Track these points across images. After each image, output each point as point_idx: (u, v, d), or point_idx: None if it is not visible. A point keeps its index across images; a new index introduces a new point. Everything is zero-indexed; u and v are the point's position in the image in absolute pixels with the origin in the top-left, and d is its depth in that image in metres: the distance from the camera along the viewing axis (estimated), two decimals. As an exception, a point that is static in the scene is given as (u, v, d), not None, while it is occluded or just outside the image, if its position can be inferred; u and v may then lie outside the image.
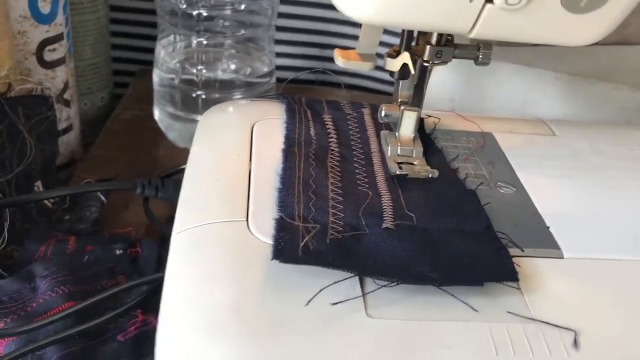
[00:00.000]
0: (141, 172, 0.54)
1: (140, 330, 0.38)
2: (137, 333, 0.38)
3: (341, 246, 0.30)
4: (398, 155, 0.36)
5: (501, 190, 0.35)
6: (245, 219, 0.31)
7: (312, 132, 0.39)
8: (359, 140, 0.38)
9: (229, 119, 0.40)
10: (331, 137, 0.38)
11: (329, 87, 0.71)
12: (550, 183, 0.36)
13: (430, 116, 0.40)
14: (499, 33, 0.27)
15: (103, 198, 0.49)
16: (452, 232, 0.31)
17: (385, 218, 0.32)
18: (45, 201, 0.47)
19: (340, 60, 0.33)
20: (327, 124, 0.40)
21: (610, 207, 0.34)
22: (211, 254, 0.29)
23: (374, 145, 0.38)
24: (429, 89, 0.51)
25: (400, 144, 0.36)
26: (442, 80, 0.52)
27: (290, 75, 0.72)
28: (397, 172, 0.34)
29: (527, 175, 0.36)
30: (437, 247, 0.30)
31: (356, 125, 0.40)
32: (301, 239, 0.29)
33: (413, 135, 0.36)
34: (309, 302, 0.26)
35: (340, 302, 0.26)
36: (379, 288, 0.27)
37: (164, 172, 0.50)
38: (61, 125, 0.54)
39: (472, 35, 0.28)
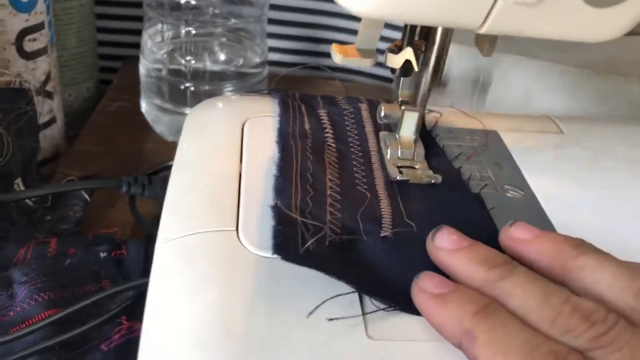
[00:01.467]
0: (127, 167, 0.52)
1: (125, 338, 0.36)
2: (122, 342, 0.36)
3: (340, 251, 0.28)
4: (398, 158, 0.33)
5: (508, 194, 0.33)
6: (235, 229, 0.28)
7: (307, 126, 0.36)
8: (357, 137, 0.36)
9: (218, 116, 0.38)
10: (327, 132, 0.36)
11: (325, 80, 0.69)
12: (561, 187, 0.34)
13: (431, 111, 0.38)
14: (512, 28, 0.25)
15: (87, 196, 0.46)
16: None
17: (384, 225, 0.30)
18: (27, 200, 0.45)
19: (338, 56, 0.30)
20: (323, 119, 0.37)
21: (624, 213, 0.32)
22: (198, 267, 0.27)
23: (372, 143, 0.36)
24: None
25: (401, 147, 0.33)
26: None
27: (283, 71, 0.69)
28: (398, 178, 0.32)
29: (535, 178, 0.34)
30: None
31: (353, 121, 0.38)
32: (300, 237, 0.28)
33: (414, 137, 0.34)
34: (310, 313, 0.24)
35: (337, 318, 0.24)
36: (376, 310, 0.25)
37: (151, 169, 0.48)
38: (43, 119, 0.52)
39: (482, 31, 0.25)
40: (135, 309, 0.37)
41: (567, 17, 0.25)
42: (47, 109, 0.52)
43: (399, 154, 0.33)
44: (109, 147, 0.55)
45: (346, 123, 0.38)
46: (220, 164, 0.33)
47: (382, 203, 0.31)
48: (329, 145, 0.35)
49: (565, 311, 0.22)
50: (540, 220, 0.31)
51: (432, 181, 0.32)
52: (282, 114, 0.37)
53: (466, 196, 0.32)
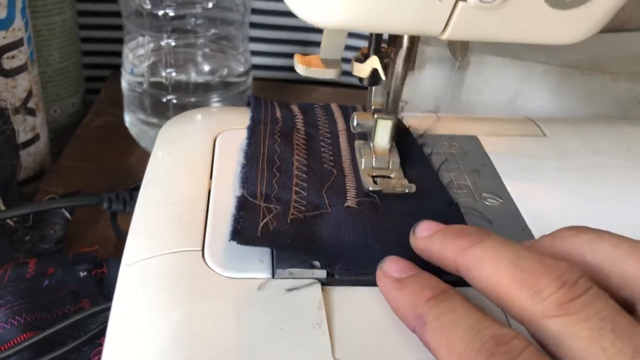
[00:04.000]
0: (113, 183, 0.51)
1: None
2: (101, 363, 0.36)
3: (302, 227, 0.29)
4: (373, 167, 0.33)
5: (487, 202, 0.32)
6: (200, 249, 0.28)
7: (278, 114, 0.38)
8: (326, 121, 0.38)
9: (190, 129, 0.37)
10: (297, 118, 0.38)
11: (313, 85, 0.68)
12: (541, 192, 0.33)
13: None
14: (474, 34, 0.24)
15: (68, 215, 0.46)
16: (414, 212, 0.30)
17: (348, 198, 0.31)
18: (7, 220, 0.44)
19: (301, 67, 0.29)
20: (294, 109, 0.39)
21: (608, 218, 0.31)
22: (161, 289, 0.26)
23: (340, 125, 0.37)
24: (412, 85, 0.48)
25: (375, 155, 0.32)
26: (425, 76, 0.48)
27: (267, 74, 0.68)
28: (371, 189, 0.31)
29: (515, 184, 0.33)
30: (397, 227, 0.29)
31: (323, 111, 0.39)
32: (261, 219, 0.28)
33: (389, 145, 0.33)
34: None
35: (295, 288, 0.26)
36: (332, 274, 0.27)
37: (133, 185, 0.47)
38: (26, 136, 0.51)
39: (445, 37, 0.25)
40: (114, 329, 0.36)
41: (529, 20, 0.24)
42: (30, 126, 0.51)
43: (374, 163, 0.33)
44: (93, 163, 0.55)
45: (316, 112, 0.39)
46: (189, 181, 0.32)
47: (348, 178, 0.32)
48: (298, 129, 0.36)
49: (536, 272, 0.22)
50: (519, 229, 0.30)
51: (406, 190, 0.31)
52: (255, 103, 0.38)
53: (429, 172, 0.33)
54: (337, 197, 0.31)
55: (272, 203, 0.30)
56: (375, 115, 0.32)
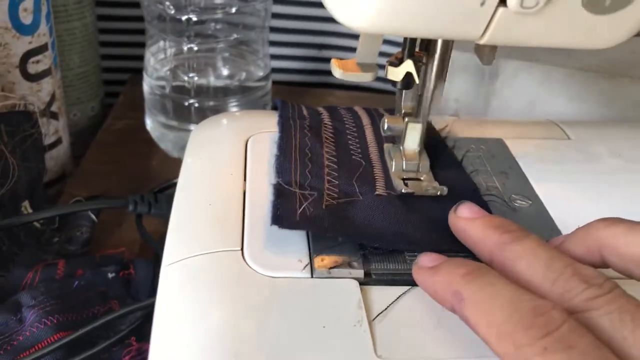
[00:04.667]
0: (134, 185, 0.52)
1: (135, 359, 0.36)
2: (132, 363, 0.36)
3: (336, 212, 0.30)
4: (403, 170, 0.33)
5: (516, 204, 0.33)
6: (240, 249, 0.28)
7: (305, 112, 0.40)
8: (351, 117, 0.40)
9: (222, 132, 0.38)
10: (323, 115, 0.39)
11: (329, 89, 0.69)
12: (569, 194, 0.33)
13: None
14: (512, 38, 0.25)
15: (94, 217, 0.46)
16: (443, 200, 0.31)
17: (377, 186, 0.32)
18: (34, 222, 0.45)
19: (338, 71, 0.30)
20: (319, 109, 0.41)
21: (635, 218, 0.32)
22: (203, 288, 0.26)
23: (365, 120, 0.39)
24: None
25: (405, 159, 0.33)
26: (451, 82, 0.49)
27: (286, 78, 0.69)
28: (403, 191, 0.32)
29: (543, 186, 0.34)
30: (427, 213, 0.31)
31: (347, 111, 0.41)
32: (298, 205, 0.30)
33: (419, 148, 0.33)
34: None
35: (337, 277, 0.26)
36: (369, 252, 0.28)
37: (157, 187, 0.48)
38: (49, 140, 0.52)
39: (483, 42, 0.25)
40: (144, 329, 0.37)
41: (568, 25, 0.24)
42: (53, 129, 0.52)
43: (404, 166, 0.33)
44: (115, 166, 0.55)
45: (341, 111, 0.40)
46: (224, 183, 0.33)
47: (376, 168, 0.34)
48: (325, 124, 0.38)
49: (567, 273, 0.23)
50: (549, 230, 0.31)
51: (438, 193, 0.32)
52: (282, 105, 0.40)
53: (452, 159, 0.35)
54: (367, 186, 0.32)
55: (307, 190, 0.31)
56: (406, 119, 0.33)
